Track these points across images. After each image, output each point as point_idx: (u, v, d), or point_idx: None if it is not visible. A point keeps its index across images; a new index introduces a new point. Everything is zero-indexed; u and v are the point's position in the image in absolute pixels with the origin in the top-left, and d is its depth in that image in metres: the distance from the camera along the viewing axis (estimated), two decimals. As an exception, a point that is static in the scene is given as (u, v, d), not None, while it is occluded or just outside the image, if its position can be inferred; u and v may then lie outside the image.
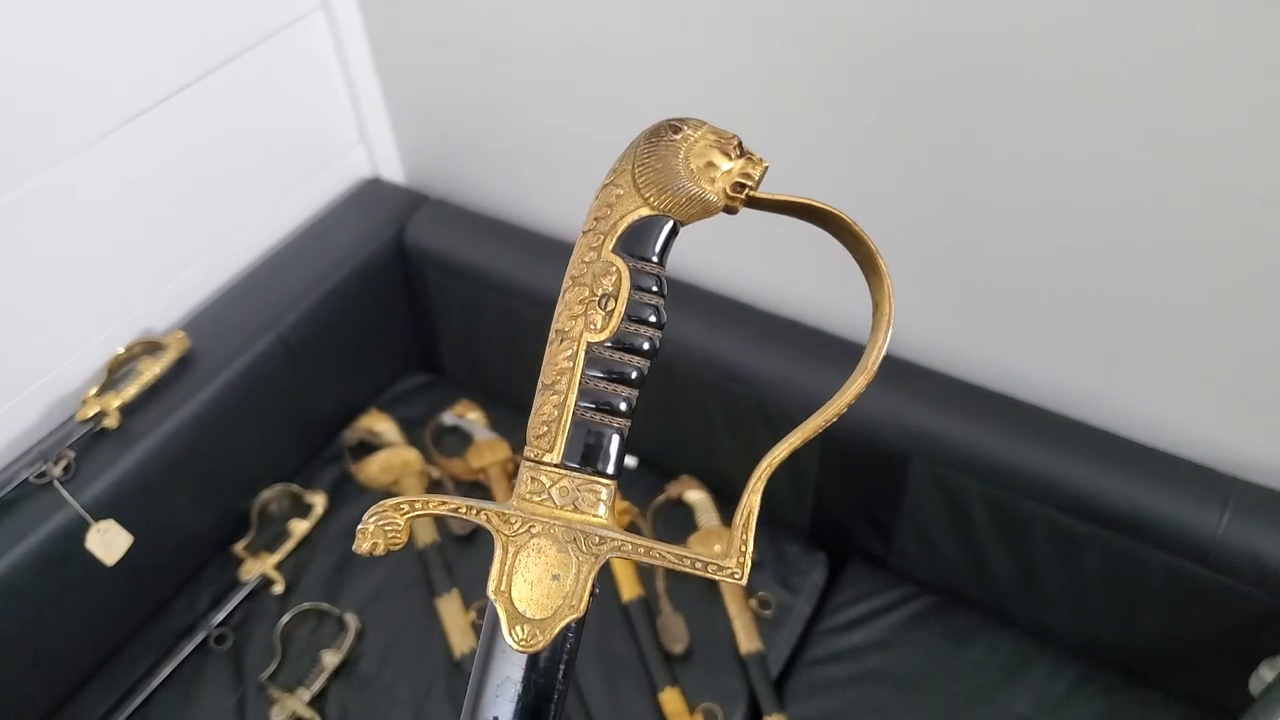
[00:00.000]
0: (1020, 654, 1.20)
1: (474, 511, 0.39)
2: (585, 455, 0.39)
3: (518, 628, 0.38)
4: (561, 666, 0.38)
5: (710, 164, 0.40)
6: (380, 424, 1.44)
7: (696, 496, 1.34)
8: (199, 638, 1.24)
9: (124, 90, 1.14)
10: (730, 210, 0.41)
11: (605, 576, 1.28)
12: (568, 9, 1.19)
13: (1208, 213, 0.95)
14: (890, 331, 0.40)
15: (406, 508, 0.39)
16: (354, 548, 0.39)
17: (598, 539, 0.39)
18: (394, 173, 1.56)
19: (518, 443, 1.43)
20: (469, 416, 1.47)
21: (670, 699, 1.17)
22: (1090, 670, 1.18)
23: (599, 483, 0.40)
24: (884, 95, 1.05)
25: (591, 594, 0.39)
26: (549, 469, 0.39)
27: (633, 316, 0.40)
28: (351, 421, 1.46)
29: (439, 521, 1.35)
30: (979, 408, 1.16)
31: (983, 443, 1.14)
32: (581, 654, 1.21)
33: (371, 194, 1.51)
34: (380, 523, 0.39)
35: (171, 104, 1.20)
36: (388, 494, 1.38)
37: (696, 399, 1.29)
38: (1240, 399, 1.07)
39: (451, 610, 1.25)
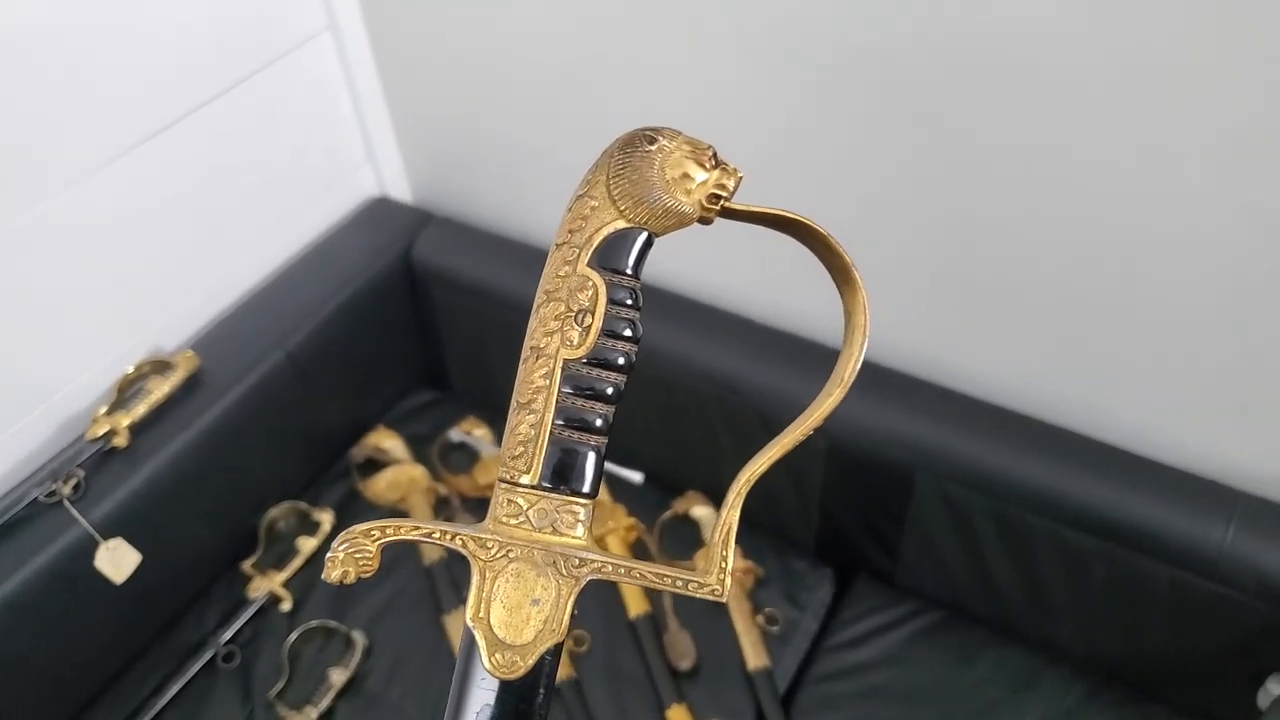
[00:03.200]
0: (1027, 669, 1.20)
1: (449, 537, 0.38)
2: (563, 475, 0.39)
3: (497, 654, 0.37)
4: (541, 691, 0.38)
5: (685, 175, 0.39)
6: (387, 441, 1.45)
7: (703, 512, 1.35)
8: (207, 656, 1.24)
9: (135, 113, 1.16)
10: (705, 221, 0.40)
11: (611, 593, 1.28)
12: (574, 30, 1.21)
13: (1210, 227, 0.96)
14: (865, 344, 0.40)
15: (377, 533, 0.38)
16: (323, 576, 0.38)
17: (577, 561, 0.38)
18: (401, 192, 1.57)
19: (524, 459, 1.44)
20: (476, 433, 1.47)
21: (677, 715, 1.17)
22: (1097, 685, 1.18)
23: (577, 503, 0.39)
24: (883, 112, 1.06)
25: (571, 616, 0.38)
26: (525, 490, 0.39)
27: (609, 332, 0.39)
28: (359, 439, 1.47)
29: (446, 538, 1.35)
30: (984, 422, 1.16)
31: (988, 457, 1.14)
32: (589, 671, 1.22)
33: (379, 213, 1.52)
34: (350, 550, 0.38)
35: (182, 126, 1.21)
36: (395, 511, 1.39)
37: (700, 414, 1.29)
38: (1245, 413, 1.07)
39: (458, 627, 1.25)
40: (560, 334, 0.39)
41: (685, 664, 1.21)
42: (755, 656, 1.21)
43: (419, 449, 1.47)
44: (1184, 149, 0.92)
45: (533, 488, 0.39)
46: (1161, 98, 0.91)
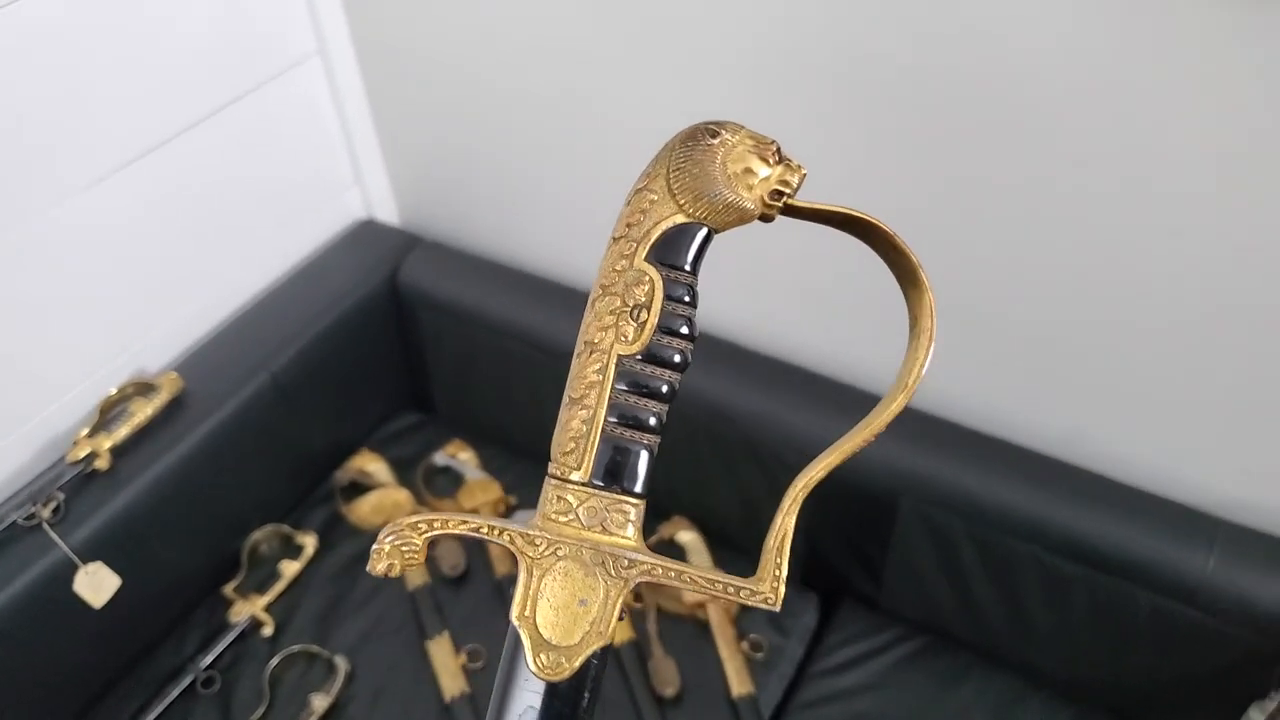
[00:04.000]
0: (1010, 695, 1.20)
1: (497, 532, 0.37)
2: (614, 473, 0.38)
3: (542, 655, 0.36)
4: (587, 694, 0.37)
5: (748, 170, 0.38)
6: (372, 464, 1.44)
7: (688, 537, 1.34)
8: (186, 681, 1.23)
9: (122, 134, 1.16)
10: (766, 219, 0.39)
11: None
12: (561, 57, 1.22)
13: (1193, 260, 0.97)
14: (932, 349, 0.39)
15: (425, 526, 0.37)
16: (368, 568, 0.37)
17: (627, 562, 0.37)
18: (388, 214, 1.57)
19: (509, 483, 1.43)
20: (460, 457, 1.47)
21: (662, 742, 1.16)
22: (1080, 712, 1.18)
23: (628, 502, 0.38)
24: (874, 145, 1.08)
25: (619, 619, 0.37)
26: (576, 488, 0.38)
27: (665, 328, 0.38)
28: (343, 462, 1.46)
29: (430, 563, 1.35)
30: (968, 448, 1.17)
31: (971, 483, 1.15)
32: (573, 697, 1.21)
33: (366, 235, 1.52)
34: (397, 542, 0.37)
35: (169, 147, 1.21)
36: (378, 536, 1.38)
37: (688, 440, 1.30)
38: (1226, 441, 1.08)
39: (442, 653, 1.25)
40: (615, 329, 0.38)
41: (669, 691, 1.21)
42: (740, 683, 1.21)
43: (403, 472, 1.46)
44: (1168, 184, 0.94)
45: (583, 485, 0.38)
46: (1144, 132, 0.92)
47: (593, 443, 0.38)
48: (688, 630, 1.27)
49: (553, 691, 0.36)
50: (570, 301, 1.36)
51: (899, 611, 1.29)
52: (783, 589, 0.38)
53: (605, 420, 0.38)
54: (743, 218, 0.39)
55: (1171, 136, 0.91)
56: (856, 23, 0.99)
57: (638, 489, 0.38)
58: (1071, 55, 0.91)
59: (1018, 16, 0.91)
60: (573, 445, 0.38)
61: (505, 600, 1.31)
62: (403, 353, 1.53)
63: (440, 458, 1.47)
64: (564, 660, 0.36)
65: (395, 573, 0.37)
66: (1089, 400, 1.14)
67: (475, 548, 1.37)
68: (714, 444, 1.28)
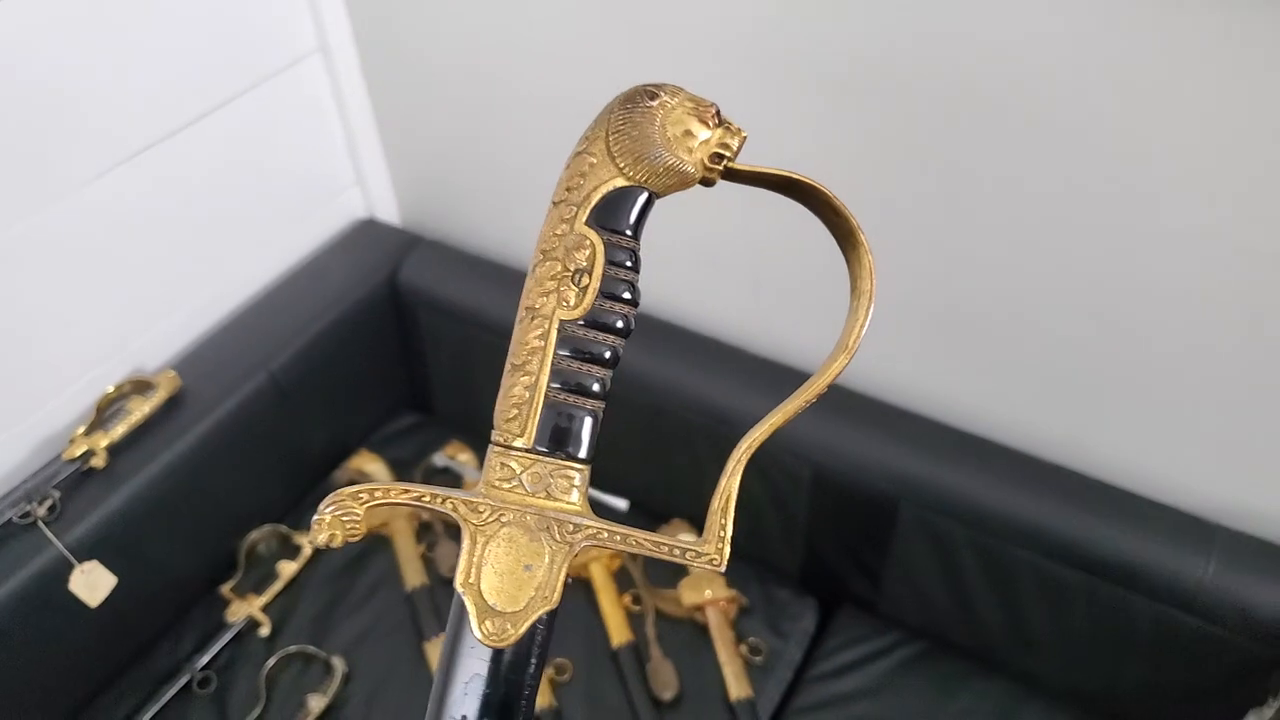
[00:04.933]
0: (1009, 701, 1.20)
1: (439, 500, 0.37)
2: (558, 439, 0.37)
3: (487, 622, 0.36)
4: (533, 661, 0.37)
5: (688, 132, 0.38)
6: (370, 465, 1.44)
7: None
8: (182, 681, 1.22)
9: (119, 130, 1.15)
10: (707, 183, 0.39)
11: (594, 622, 1.28)
12: (564, 54, 1.21)
13: (1190, 263, 0.97)
14: (872, 310, 0.39)
15: (365, 496, 0.37)
16: (308, 539, 0.37)
17: (572, 526, 0.37)
18: (389, 214, 1.57)
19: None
20: (459, 458, 1.47)
21: (660, 746, 1.16)
22: (1078, 718, 1.18)
23: (572, 468, 0.38)
24: (870, 148, 1.07)
25: (565, 584, 0.37)
26: (519, 454, 0.37)
27: (607, 293, 0.38)
28: (342, 462, 1.45)
29: (428, 563, 1.34)
30: (966, 454, 1.17)
31: (971, 489, 1.14)
32: (570, 700, 1.20)
33: (366, 235, 1.52)
34: (338, 512, 0.36)
35: (167, 145, 1.20)
36: (377, 536, 1.38)
37: (686, 442, 1.29)
38: (1225, 447, 1.08)
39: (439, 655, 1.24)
40: (556, 294, 0.38)
41: (668, 694, 1.20)
42: (738, 687, 1.21)
43: (402, 473, 1.45)
44: (1169, 189, 0.94)
45: (527, 451, 0.38)
46: (1143, 132, 0.92)
47: (536, 409, 0.37)
48: (686, 633, 1.27)
49: (498, 658, 0.36)
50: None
51: (898, 617, 1.29)
52: (727, 549, 0.38)
53: (548, 386, 0.38)
54: (684, 181, 0.39)
55: (1169, 137, 0.91)
56: (855, 24, 0.99)
57: (582, 454, 0.38)
58: (1066, 53, 0.91)
59: (1011, 14, 0.91)
60: (515, 412, 0.38)
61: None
62: (402, 353, 1.53)
63: (440, 459, 1.47)
64: (509, 626, 0.36)
65: (336, 543, 0.37)
66: (1089, 406, 1.14)
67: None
68: (714, 448, 1.28)
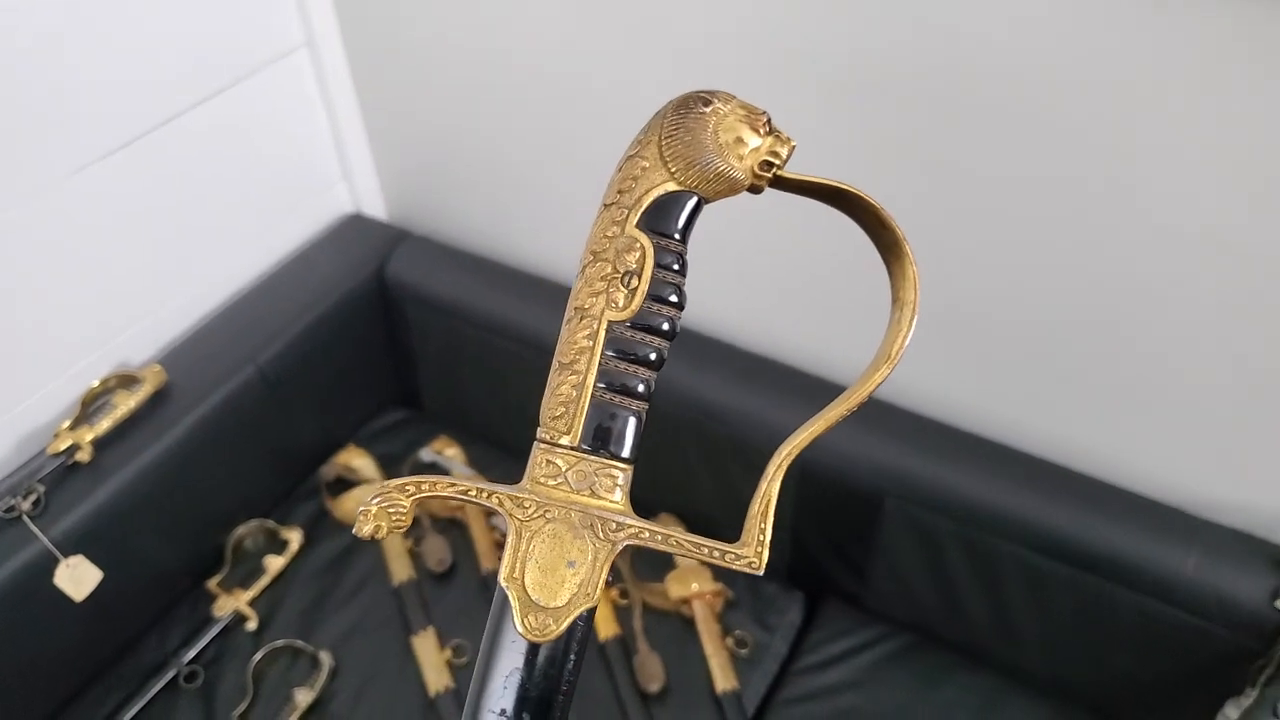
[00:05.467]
0: (994, 694, 1.21)
1: (485, 494, 0.37)
2: (602, 438, 0.38)
3: (530, 617, 0.36)
4: (572, 657, 0.37)
5: (739, 139, 0.38)
6: (358, 460, 1.44)
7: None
8: (169, 675, 1.22)
9: (106, 123, 1.15)
10: (755, 190, 0.39)
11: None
12: (551, 51, 1.21)
13: (1175, 262, 0.98)
14: (915, 321, 0.39)
15: (412, 489, 0.37)
16: (354, 530, 0.37)
17: (615, 525, 0.37)
18: (376, 209, 1.57)
19: (496, 479, 1.42)
20: (447, 453, 1.47)
21: (646, 739, 1.17)
22: (1062, 709, 1.19)
23: (616, 467, 0.38)
24: (867, 142, 1.08)
25: (607, 584, 0.37)
26: (565, 452, 0.38)
27: (655, 295, 0.38)
28: (329, 457, 1.45)
29: (415, 558, 1.34)
30: (952, 448, 1.18)
31: (956, 483, 1.15)
32: (557, 693, 1.21)
33: (353, 230, 1.51)
34: (384, 504, 0.37)
35: (154, 137, 1.20)
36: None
37: (674, 437, 1.30)
38: (1207, 441, 1.09)
39: (427, 648, 1.24)
40: (606, 295, 0.38)
41: (654, 686, 1.21)
42: (724, 679, 1.21)
43: (390, 468, 1.45)
44: (1159, 189, 0.95)
45: (572, 449, 0.38)
46: (1140, 130, 0.93)
47: (582, 408, 0.38)
48: (673, 626, 1.27)
49: (538, 653, 0.37)
50: (559, 297, 1.35)
51: (883, 610, 1.29)
52: (766, 553, 0.38)
53: (595, 386, 0.38)
54: (733, 187, 0.39)
55: (1166, 136, 0.92)
56: (855, 18, 0.99)
57: (625, 454, 0.39)
58: (1066, 52, 0.92)
59: (1010, 13, 0.92)
60: (562, 410, 0.38)
61: (491, 596, 1.30)
62: (390, 348, 1.53)
63: (427, 454, 1.47)
64: (551, 622, 0.37)
65: (382, 534, 0.37)
66: (1073, 400, 1.15)
67: (461, 543, 1.36)
68: (701, 442, 1.28)
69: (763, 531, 0.38)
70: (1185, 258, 0.97)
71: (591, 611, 0.37)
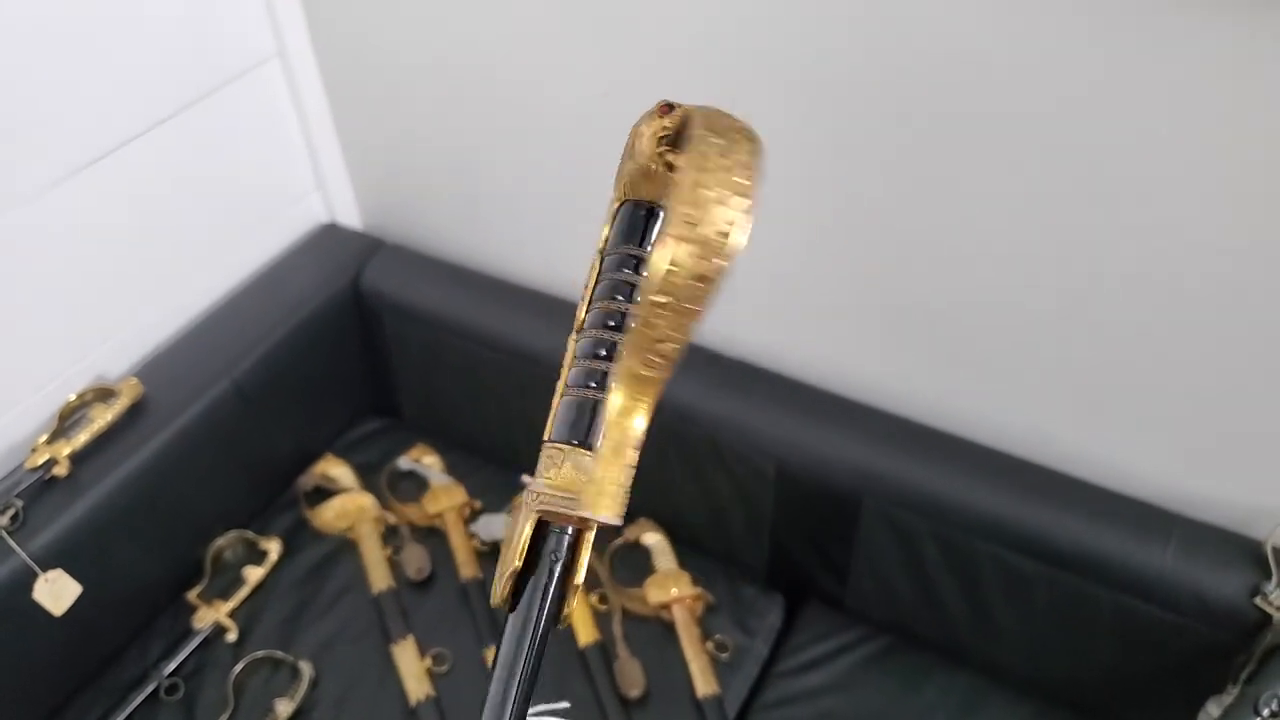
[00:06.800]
0: (974, 693, 1.21)
1: None
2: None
3: (495, 587, 0.40)
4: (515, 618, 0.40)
5: (639, 134, 0.41)
6: (336, 469, 1.44)
7: (654, 539, 1.35)
8: (150, 688, 1.22)
9: (78, 137, 1.15)
10: (671, 166, 0.41)
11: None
12: (525, 61, 1.21)
13: (1150, 259, 0.98)
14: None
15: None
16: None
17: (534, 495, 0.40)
18: (350, 218, 1.57)
19: (473, 487, 1.42)
20: (425, 461, 1.47)
21: (626, 744, 1.16)
22: (1042, 708, 1.19)
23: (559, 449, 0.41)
24: (834, 142, 1.08)
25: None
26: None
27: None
28: (307, 467, 1.45)
29: (394, 567, 1.34)
30: (929, 448, 1.18)
31: (933, 483, 1.15)
32: (537, 701, 1.20)
33: (328, 240, 1.51)
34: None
35: (126, 151, 1.20)
36: (343, 540, 1.37)
37: (652, 442, 1.29)
38: (1182, 438, 1.09)
39: (407, 657, 1.24)
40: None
41: (635, 692, 1.21)
42: (705, 684, 1.21)
43: (368, 477, 1.45)
44: (1131, 187, 0.95)
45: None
46: (1103, 133, 0.93)
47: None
48: (653, 631, 1.27)
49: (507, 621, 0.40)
50: (534, 305, 1.36)
51: (863, 611, 1.29)
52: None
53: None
54: (648, 175, 0.41)
55: (1129, 138, 0.92)
56: (821, 21, 0.99)
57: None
58: (1034, 47, 0.92)
59: (978, 13, 0.92)
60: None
61: (470, 604, 1.30)
62: (366, 357, 1.53)
63: (404, 462, 1.47)
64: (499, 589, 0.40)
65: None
66: (1048, 399, 1.15)
67: (440, 552, 1.36)
68: (679, 447, 1.28)
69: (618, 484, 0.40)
70: (1159, 255, 0.97)
71: (515, 573, 0.39)
